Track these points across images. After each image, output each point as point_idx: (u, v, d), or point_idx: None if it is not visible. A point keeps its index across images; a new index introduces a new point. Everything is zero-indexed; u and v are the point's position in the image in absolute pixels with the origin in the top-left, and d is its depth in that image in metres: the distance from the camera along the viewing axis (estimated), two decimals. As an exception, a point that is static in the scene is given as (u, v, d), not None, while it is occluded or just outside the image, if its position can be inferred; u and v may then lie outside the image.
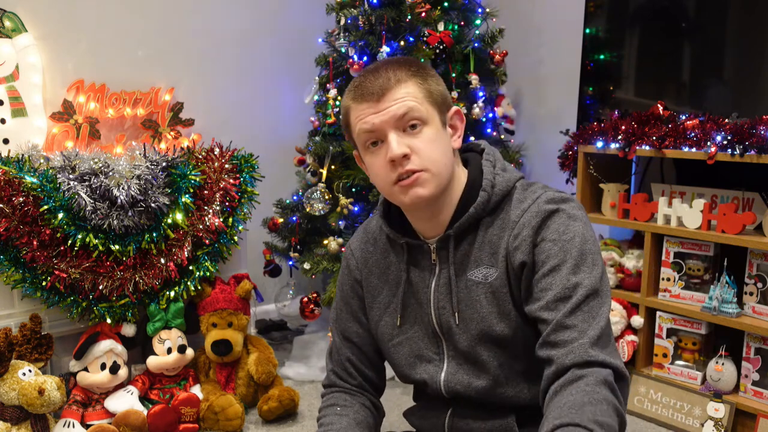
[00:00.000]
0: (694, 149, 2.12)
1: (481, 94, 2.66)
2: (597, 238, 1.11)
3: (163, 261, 2.13)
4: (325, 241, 2.53)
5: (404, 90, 1.08)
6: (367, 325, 1.27)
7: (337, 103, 2.56)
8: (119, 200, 2.01)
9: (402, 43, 2.48)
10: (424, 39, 2.46)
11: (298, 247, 2.69)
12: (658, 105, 2.29)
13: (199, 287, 2.24)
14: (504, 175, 1.15)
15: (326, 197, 2.55)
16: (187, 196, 2.17)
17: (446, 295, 1.15)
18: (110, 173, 2.02)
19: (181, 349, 2.16)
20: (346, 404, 1.24)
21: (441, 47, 2.50)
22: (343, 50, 2.56)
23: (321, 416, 1.25)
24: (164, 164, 2.13)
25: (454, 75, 2.59)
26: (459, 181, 1.15)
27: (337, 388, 1.28)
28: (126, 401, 2.06)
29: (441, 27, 2.50)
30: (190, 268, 2.22)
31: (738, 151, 2.00)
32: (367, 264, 1.26)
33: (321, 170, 2.60)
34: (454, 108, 1.15)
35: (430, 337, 1.19)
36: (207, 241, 2.23)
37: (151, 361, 2.15)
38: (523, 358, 1.12)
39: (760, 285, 2.04)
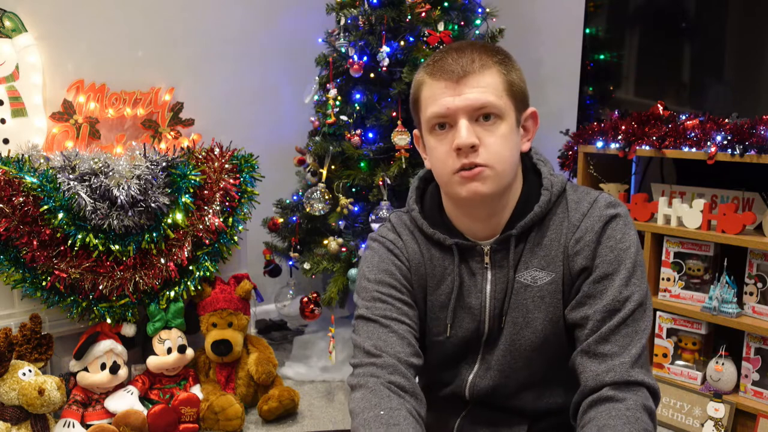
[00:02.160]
0: (694, 149, 2.12)
1: (481, 94, 2.65)
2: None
3: (163, 261, 2.13)
4: (325, 241, 2.53)
5: (486, 79, 1.02)
6: (414, 305, 1.13)
7: (338, 103, 2.56)
8: (119, 200, 2.01)
9: (402, 43, 2.48)
10: (424, 39, 2.46)
11: (298, 247, 2.69)
12: (658, 105, 2.29)
13: (199, 287, 2.24)
14: (557, 176, 1.11)
15: (326, 197, 2.54)
16: (187, 196, 2.17)
17: (501, 301, 1.10)
18: (110, 173, 2.02)
19: (181, 349, 2.16)
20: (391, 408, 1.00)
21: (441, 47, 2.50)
22: (343, 50, 2.55)
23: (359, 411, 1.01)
24: (164, 164, 2.13)
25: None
26: (518, 182, 1.10)
27: (370, 386, 1.03)
28: (126, 401, 2.06)
29: (441, 27, 2.49)
30: (190, 268, 2.22)
31: (738, 151, 1.99)
32: (414, 255, 1.14)
33: (321, 170, 2.59)
34: (531, 109, 1.10)
35: (472, 339, 1.13)
36: (207, 241, 2.23)
37: (151, 361, 2.15)
38: (554, 366, 1.10)
39: (760, 285, 2.04)
